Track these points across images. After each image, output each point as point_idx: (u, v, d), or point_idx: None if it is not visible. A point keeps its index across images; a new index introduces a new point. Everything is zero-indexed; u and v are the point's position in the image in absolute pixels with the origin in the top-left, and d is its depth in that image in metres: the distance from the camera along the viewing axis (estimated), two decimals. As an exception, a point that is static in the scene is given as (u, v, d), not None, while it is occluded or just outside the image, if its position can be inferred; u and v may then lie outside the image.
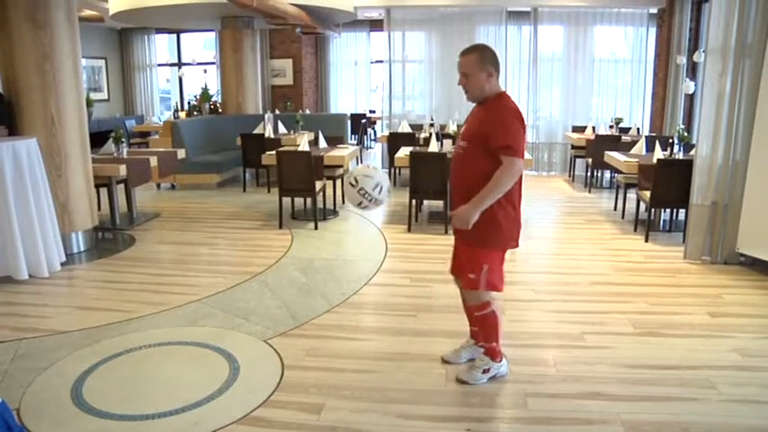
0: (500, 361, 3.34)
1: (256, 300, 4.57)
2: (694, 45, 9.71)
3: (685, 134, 6.81)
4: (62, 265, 5.34)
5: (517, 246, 3.23)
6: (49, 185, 5.25)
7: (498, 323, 3.28)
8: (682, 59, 9.70)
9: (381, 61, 11.83)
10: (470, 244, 3.16)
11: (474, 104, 3.19)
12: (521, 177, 3.08)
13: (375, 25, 13.82)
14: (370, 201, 3.13)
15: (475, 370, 3.32)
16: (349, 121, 12.04)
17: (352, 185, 3.12)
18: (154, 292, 4.77)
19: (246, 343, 3.81)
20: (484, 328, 3.29)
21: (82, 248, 5.86)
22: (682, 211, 6.45)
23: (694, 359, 3.59)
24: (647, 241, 6.20)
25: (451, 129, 9.00)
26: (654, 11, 10.60)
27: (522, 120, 3.00)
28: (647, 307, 4.43)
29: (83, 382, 3.29)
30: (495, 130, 2.97)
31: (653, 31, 10.78)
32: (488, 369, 3.31)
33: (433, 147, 7.23)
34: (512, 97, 3.13)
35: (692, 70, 9.73)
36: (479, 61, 3.01)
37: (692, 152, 5.98)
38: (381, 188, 3.14)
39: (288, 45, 13.78)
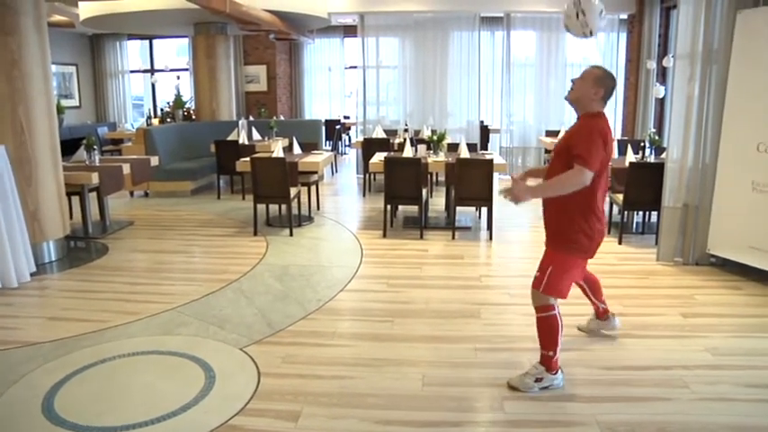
0: (555, 373, 3.30)
1: (232, 307, 4.53)
2: (664, 50, 9.88)
3: (656, 138, 6.91)
4: (32, 275, 5.25)
5: (591, 257, 3.29)
6: (18, 194, 5.16)
7: (559, 331, 3.25)
8: (652, 64, 9.85)
9: (355, 67, 11.84)
10: (548, 246, 3.28)
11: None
12: (604, 191, 3.20)
13: (349, 31, 13.87)
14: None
15: (527, 377, 3.28)
16: (323, 127, 12.04)
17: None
18: (127, 301, 4.71)
19: (222, 351, 3.77)
20: (542, 332, 3.28)
21: (53, 258, 5.76)
22: (654, 213, 6.53)
23: (668, 359, 3.64)
24: (620, 244, 6.27)
25: (426, 134, 9.02)
26: (624, 16, 10.76)
27: (607, 139, 3.08)
28: (621, 309, 4.47)
29: (54, 395, 3.23)
30: (576, 140, 3.07)
31: (623, 36, 10.94)
32: (541, 378, 3.26)
33: (408, 152, 7.24)
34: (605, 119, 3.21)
35: (662, 75, 9.89)
36: (598, 79, 3.15)
37: (663, 155, 6.07)
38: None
39: (261, 51, 13.76)
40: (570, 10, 3.73)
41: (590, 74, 3.18)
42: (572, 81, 3.25)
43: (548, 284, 3.22)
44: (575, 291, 4.39)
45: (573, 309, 4.50)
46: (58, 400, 3.17)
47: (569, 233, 3.17)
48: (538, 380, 3.26)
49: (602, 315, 3.94)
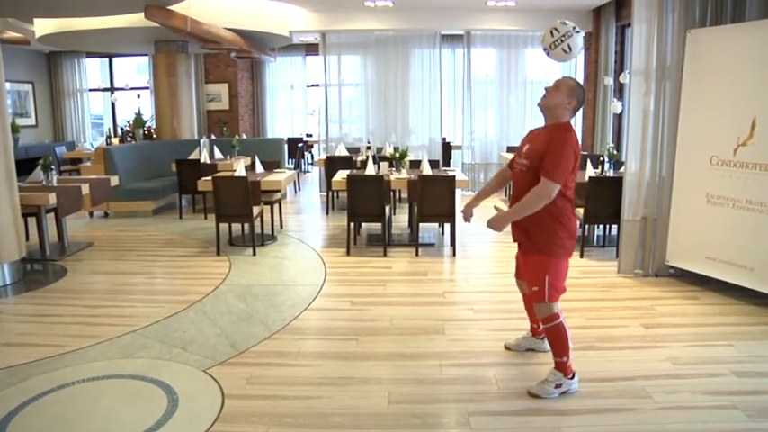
0: (572, 378, 3.38)
1: (195, 329, 4.46)
2: (620, 67, 10.10)
3: (615, 152, 7.04)
4: (-13, 299, 5.10)
5: (571, 255, 3.40)
6: (-29, 217, 5.02)
7: (568, 336, 3.35)
8: (609, 81, 10.07)
9: (317, 85, 11.85)
10: (533, 253, 3.36)
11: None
12: (572, 195, 3.29)
13: (311, 49, 13.90)
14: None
15: (547, 384, 3.35)
16: (286, 146, 12.01)
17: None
18: (87, 325, 4.60)
19: (185, 373, 3.71)
20: (554, 341, 3.37)
21: (8, 281, 5.61)
22: (614, 226, 6.64)
23: (630, 370, 3.69)
24: (582, 257, 6.36)
25: (388, 151, 9.04)
26: (582, 34, 10.96)
27: (577, 153, 3.21)
28: (584, 321, 4.53)
29: (7, 425, 3.12)
30: (549, 153, 3.16)
31: (581, 53, 11.16)
32: (560, 384, 3.35)
33: (370, 169, 7.24)
34: (573, 129, 3.31)
35: (619, 91, 10.10)
36: (572, 89, 3.27)
37: (622, 169, 6.19)
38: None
39: (223, 69, 13.69)
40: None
41: (565, 84, 3.29)
42: (545, 89, 3.34)
43: (550, 293, 3.32)
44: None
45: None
46: (11, 430, 3.07)
47: (555, 238, 3.27)
48: (557, 386, 3.34)
49: (538, 334, 3.94)
